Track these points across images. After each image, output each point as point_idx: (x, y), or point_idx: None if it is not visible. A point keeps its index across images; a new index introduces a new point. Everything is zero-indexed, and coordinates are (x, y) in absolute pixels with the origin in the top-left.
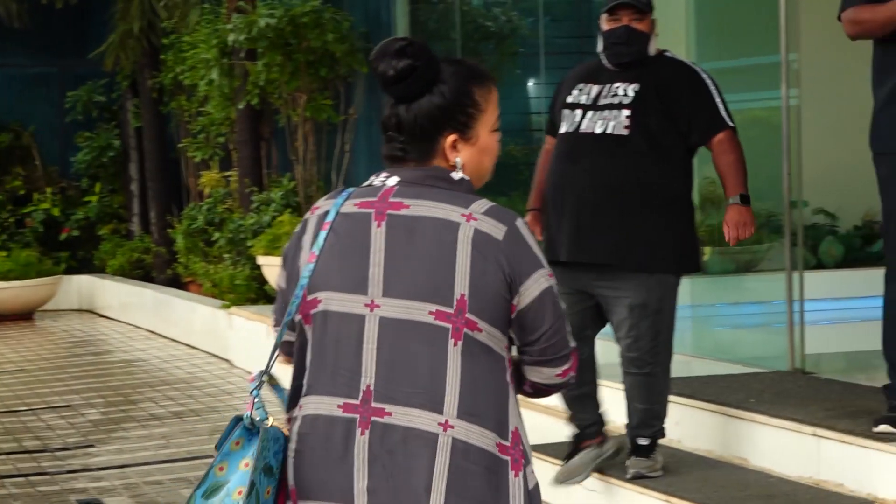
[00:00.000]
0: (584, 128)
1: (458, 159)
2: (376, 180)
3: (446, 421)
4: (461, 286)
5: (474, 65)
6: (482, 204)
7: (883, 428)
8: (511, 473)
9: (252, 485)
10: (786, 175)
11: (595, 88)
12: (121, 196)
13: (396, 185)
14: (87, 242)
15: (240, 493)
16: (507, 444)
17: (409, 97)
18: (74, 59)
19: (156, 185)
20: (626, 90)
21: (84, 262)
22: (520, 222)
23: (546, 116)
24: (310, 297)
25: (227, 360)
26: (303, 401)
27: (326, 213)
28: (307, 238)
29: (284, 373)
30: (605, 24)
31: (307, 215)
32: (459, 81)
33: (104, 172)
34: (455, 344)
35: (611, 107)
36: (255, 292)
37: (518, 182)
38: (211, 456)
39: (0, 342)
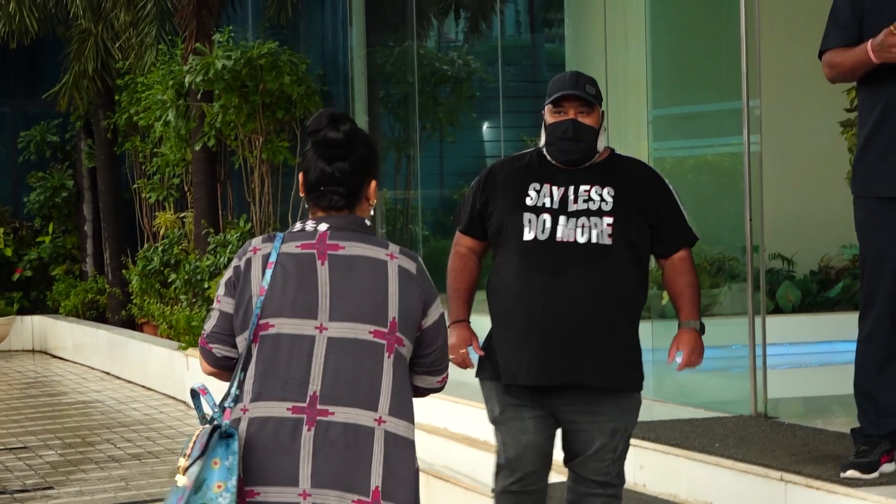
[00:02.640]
0: (562, 236)
1: (374, 201)
2: (307, 226)
3: (380, 417)
4: (393, 310)
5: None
6: (394, 246)
7: (850, 473)
8: (415, 454)
9: (226, 478)
10: (748, 220)
11: (556, 190)
12: (74, 237)
13: (328, 230)
14: (41, 283)
15: (219, 487)
16: (413, 428)
17: (347, 154)
18: (27, 99)
19: (110, 226)
20: (601, 194)
21: (37, 302)
22: (420, 260)
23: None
24: (262, 322)
25: (183, 402)
26: (251, 406)
27: (268, 254)
28: (254, 273)
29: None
30: (549, 117)
31: (248, 254)
32: (367, 137)
33: (57, 213)
34: (389, 356)
35: (588, 213)
36: None
37: None
38: None
39: None
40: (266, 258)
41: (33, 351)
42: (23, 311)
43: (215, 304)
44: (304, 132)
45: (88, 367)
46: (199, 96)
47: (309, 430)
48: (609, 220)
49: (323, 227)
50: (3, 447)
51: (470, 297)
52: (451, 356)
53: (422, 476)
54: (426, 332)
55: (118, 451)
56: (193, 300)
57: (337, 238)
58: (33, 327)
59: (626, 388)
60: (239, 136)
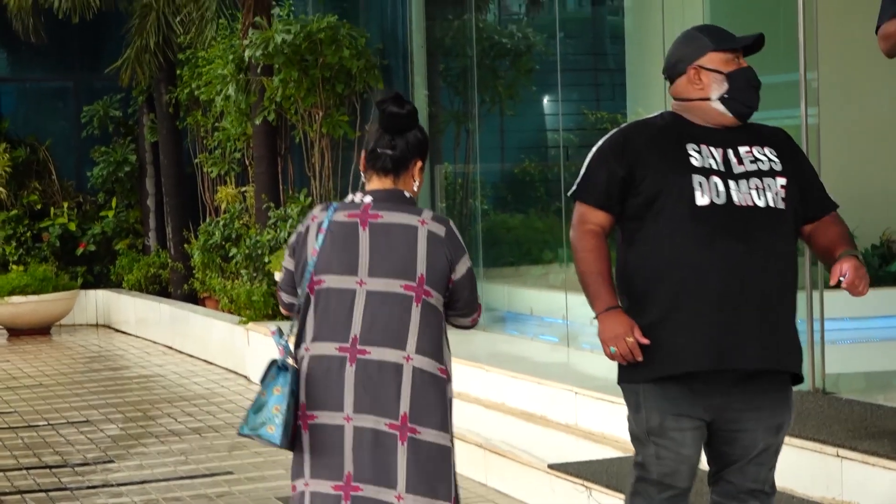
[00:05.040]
0: (738, 199)
1: (418, 180)
2: (356, 198)
3: (408, 355)
4: (421, 268)
5: None
6: (428, 213)
7: None
8: (447, 387)
9: (286, 404)
10: None
11: (716, 151)
12: (137, 211)
13: (371, 202)
14: (104, 257)
15: (276, 409)
16: (443, 367)
17: (405, 130)
18: (90, 74)
19: (172, 201)
20: (765, 154)
21: (101, 276)
22: (452, 224)
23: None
24: (315, 278)
25: (244, 376)
26: (311, 345)
27: (322, 222)
28: (311, 238)
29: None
30: (721, 65)
31: (308, 222)
32: (423, 130)
33: (120, 187)
34: (417, 305)
35: (760, 174)
36: (272, 308)
37: (534, 199)
38: (230, 472)
39: (18, 357)
40: (320, 225)
41: (97, 325)
42: (86, 286)
43: (284, 262)
44: (363, 106)
45: (151, 341)
46: (259, 70)
47: (351, 365)
48: (782, 181)
49: (368, 199)
50: (65, 421)
51: (612, 280)
52: (612, 347)
53: (480, 451)
54: (456, 284)
55: (178, 426)
56: (254, 275)
57: (378, 208)
58: (97, 302)
59: (796, 377)
60: (299, 111)
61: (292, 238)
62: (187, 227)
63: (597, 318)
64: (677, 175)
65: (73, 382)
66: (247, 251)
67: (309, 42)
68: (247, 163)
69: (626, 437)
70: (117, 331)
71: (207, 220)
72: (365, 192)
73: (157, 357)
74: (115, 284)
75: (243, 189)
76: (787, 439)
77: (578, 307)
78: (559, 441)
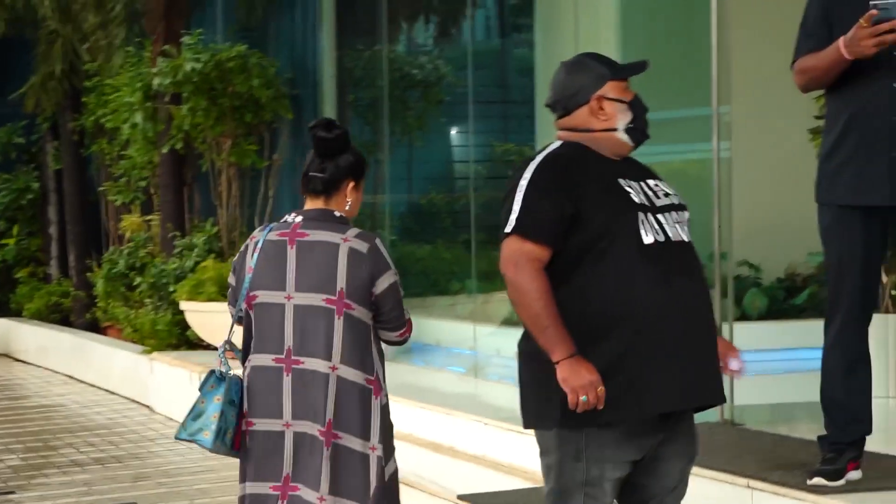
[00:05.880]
0: (672, 235)
1: (350, 200)
2: (288, 218)
3: (334, 365)
4: (341, 283)
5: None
6: (353, 231)
7: (817, 481)
8: (374, 396)
9: (221, 412)
10: (716, 228)
11: (636, 185)
12: (39, 239)
13: (301, 221)
14: (4, 286)
15: (214, 417)
16: (372, 378)
17: (335, 154)
18: None
19: (75, 229)
20: (663, 186)
21: (0, 305)
22: (378, 241)
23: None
24: (251, 294)
25: (147, 406)
26: (252, 357)
27: (258, 241)
28: (248, 257)
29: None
30: (620, 94)
31: (248, 242)
32: (358, 152)
33: (22, 215)
34: (339, 318)
35: (674, 207)
36: (177, 338)
37: (440, 230)
38: (133, 503)
39: None
40: (256, 244)
41: None
42: None
43: (229, 279)
44: (272, 135)
45: (52, 370)
46: (167, 99)
47: (287, 375)
48: (687, 214)
49: (298, 218)
50: None
51: None
52: (584, 396)
53: None
54: (378, 298)
55: (81, 456)
56: (159, 303)
57: (306, 227)
58: None
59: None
60: (207, 139)
61: (236, 258)
62: (90, 256)
63: (558, 363)
64: (623, 213)
65: None
66: (152, 280)
67: (218, 71)
68: (152, 191)
69: (535, 468)
70: (17, 360)
71: (111, 248)
72: (298, 213)
73: (57, 386)
74: (15, 313)
75: (148, 218)
76: (698, 470)
77: (486, 338)
78: (468, 472)
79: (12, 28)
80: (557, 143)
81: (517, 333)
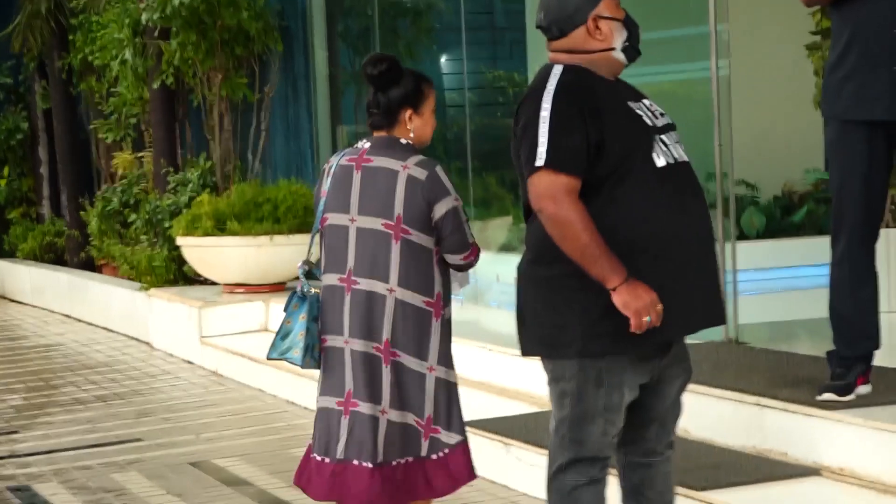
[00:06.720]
0: (677, 156)
1: (412, 127)
2: (359, 144)
3: (391, 287)
4: (398, 208)
5: (422, 73)
6: (414, 158)
7: (827, 396)
8: (433, 318)
9: (307, 329)
10: (717, 146)
11: (641, 107)
12: (30, 179)
13: (368, 147)
14: None
15: (301, 335)
16: (432, 300)
17: (386, 87)
18: None
19: (67, 168)
20: (656, 106)
21: None
22: (438, 168)
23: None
24: (324, 216)
25: (146, 343)
26: (323, 276)
27: (332, 167)
28: (323, 181)
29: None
30: (614, 11)
31: (324, 166)
32: (414, 80)
33: (12, 155)
34: (396, 243)
35: (669, 128)
36: (174, 273)
37: (435, 158)
38: (139, 439)
39: None
40: (330, 169)
41: None
42: None
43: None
44: (262, 68)
45: (49, 310)
46: (156, 34)
47: (347, 294)
48: (678, 135)
49: (367, 145)
50: None
51: None
52: (648, 317)
53: None
54: (438, 223)
55: (83, 394)
56: (154, 240)
57: (371, 153)
58: None
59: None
60: (197, 74)
61: (317, 185)
62: (82, 195)
63: (615, 289)
64: (640, 138)
65: None
66: (147, 217)
67: (206, 4)
68: (143, 128)
69: (540, 392)
70: (12, 300)
71: (105, 186)
72: (368, 139)
73: (55, 326)
74: (9, 254)
75: (140, 155)
76: (707, 390)
77: (484, 265)
78: (473, 398)
79: None
80: (559, 68)
81: (515, 260)
